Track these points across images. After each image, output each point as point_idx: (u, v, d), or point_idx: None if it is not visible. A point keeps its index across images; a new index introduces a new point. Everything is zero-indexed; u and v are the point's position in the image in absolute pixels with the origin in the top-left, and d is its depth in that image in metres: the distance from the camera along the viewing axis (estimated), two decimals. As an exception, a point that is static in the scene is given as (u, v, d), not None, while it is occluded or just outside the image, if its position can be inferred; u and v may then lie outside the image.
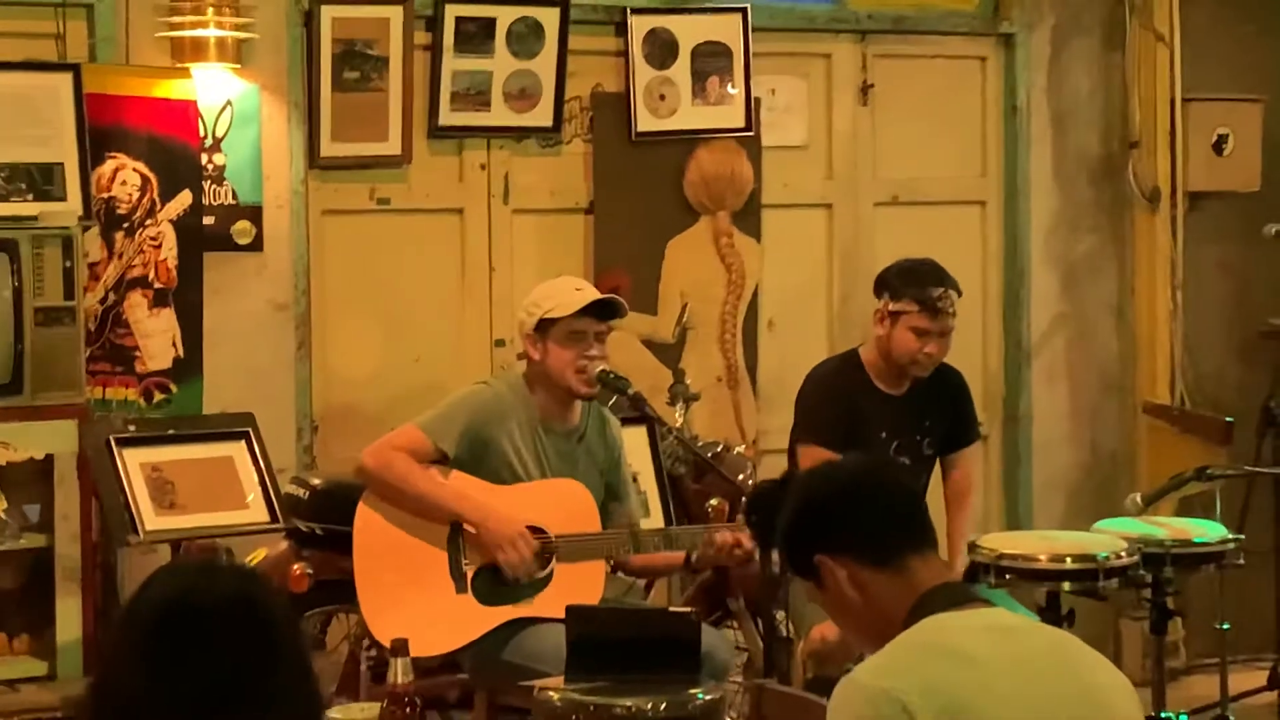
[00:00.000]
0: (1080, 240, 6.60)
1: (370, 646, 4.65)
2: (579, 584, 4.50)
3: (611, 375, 4.61)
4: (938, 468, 5.14)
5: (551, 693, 3.87)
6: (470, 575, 4.52)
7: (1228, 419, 5.54)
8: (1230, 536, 4.73)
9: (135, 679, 1.96)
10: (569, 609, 4.07)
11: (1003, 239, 6.54)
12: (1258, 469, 5.42)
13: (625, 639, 3.95)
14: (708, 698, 3.88)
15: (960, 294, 5.00)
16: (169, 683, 1.95)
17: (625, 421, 5.08)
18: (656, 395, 5.27)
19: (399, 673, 3.20)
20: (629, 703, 3.80)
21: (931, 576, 2.59)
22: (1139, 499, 4.82)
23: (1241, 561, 4.71)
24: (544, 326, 4.59)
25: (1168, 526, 4.80)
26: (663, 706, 3.80)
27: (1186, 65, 6.50)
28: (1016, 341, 6.54)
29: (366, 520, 4.53)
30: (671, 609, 4.77)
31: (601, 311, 4.63)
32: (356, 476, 4.59)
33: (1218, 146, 6.52)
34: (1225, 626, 5.02)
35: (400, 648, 3.23)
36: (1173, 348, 6.55)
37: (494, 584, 4.52)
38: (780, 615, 4.70)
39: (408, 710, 3.17)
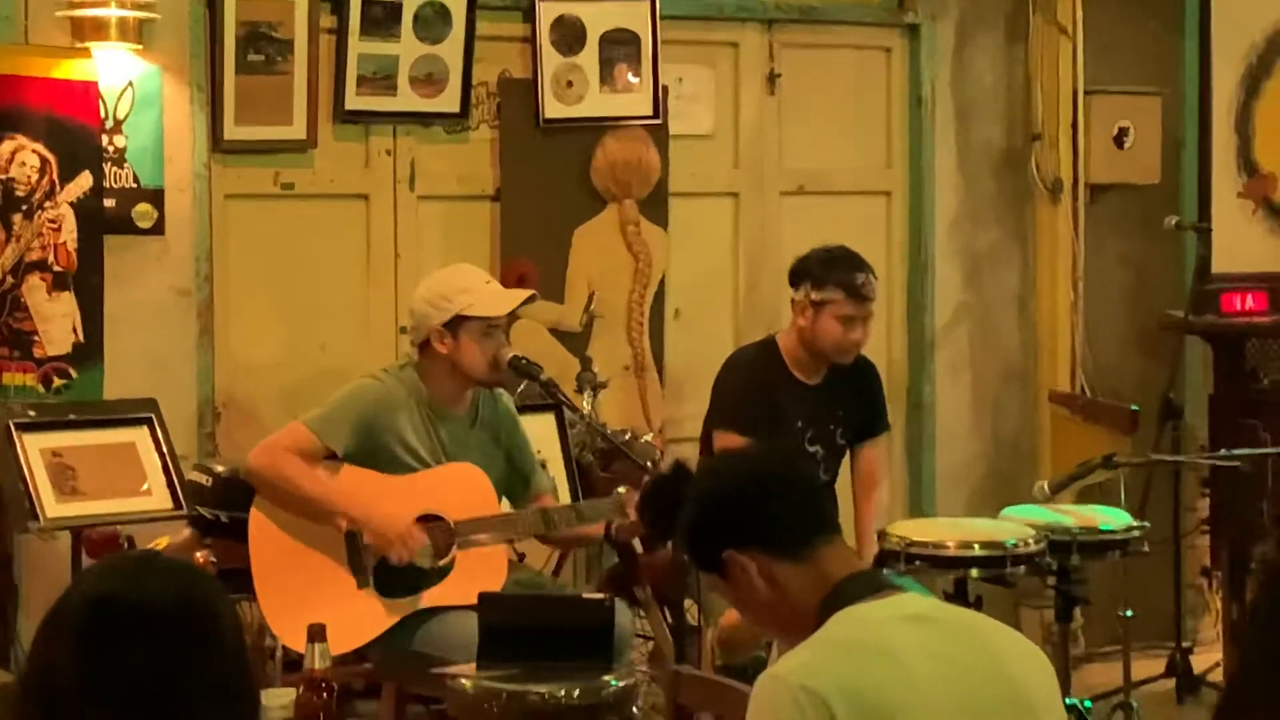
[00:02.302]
0: (983, 231, 6.65)
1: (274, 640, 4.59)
2: (481, 569, 4.47)
3: (524, 361, 4.58)
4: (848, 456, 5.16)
5: (464, 680, 3.84)
6: (370, 570, 4.47)
7: (1133, 407, 5.59)
8: (1135, 524, 4.78)
9: (65, 672, 1.92)
10: (481, 596, 4.04)
11: (907, 230, 6.57)
12: (1164, 457, 5.48)
13: (538, 626, 3.92)
14: (621, 684, 3.86)
15: (877, 278, 5.02)
16: (99, 677, 1.91)
17: (535, 408, 5.06)
18: (564, 384, 5.23)
19: (316, 658, 3.15)
20: (542, 690, 3.77)
21: (842, 565, 2.58)
22: (1046, 486, 4.86)
23: (1146, 549, 4.76)
24: (456, 322, 4.53)
25: (1074, 514, 4.85)
26: (576, 693, 3.78)
27: (1088, 59, 6.55)
28: (920, 332, 6.57)
29: (260, 523, 4.47)
30: (585, 595, 4.74)
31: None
32: (244, 478, 4.52)
33: (1119, 139, 6.58)
34: (1129, 614, 5.06)
35: (317, 633, 3.19)
36: (1074, 339, 6.61)
37: (394, 576, 4.48)
38: (688, 603, 4.70)
39: (324, 695, 3.13)
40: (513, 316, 4.63)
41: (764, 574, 2.55)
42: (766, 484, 2.62)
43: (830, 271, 4.91)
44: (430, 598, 4.46)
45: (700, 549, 2.64)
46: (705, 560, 2.62)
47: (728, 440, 4.83)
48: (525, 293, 4.61)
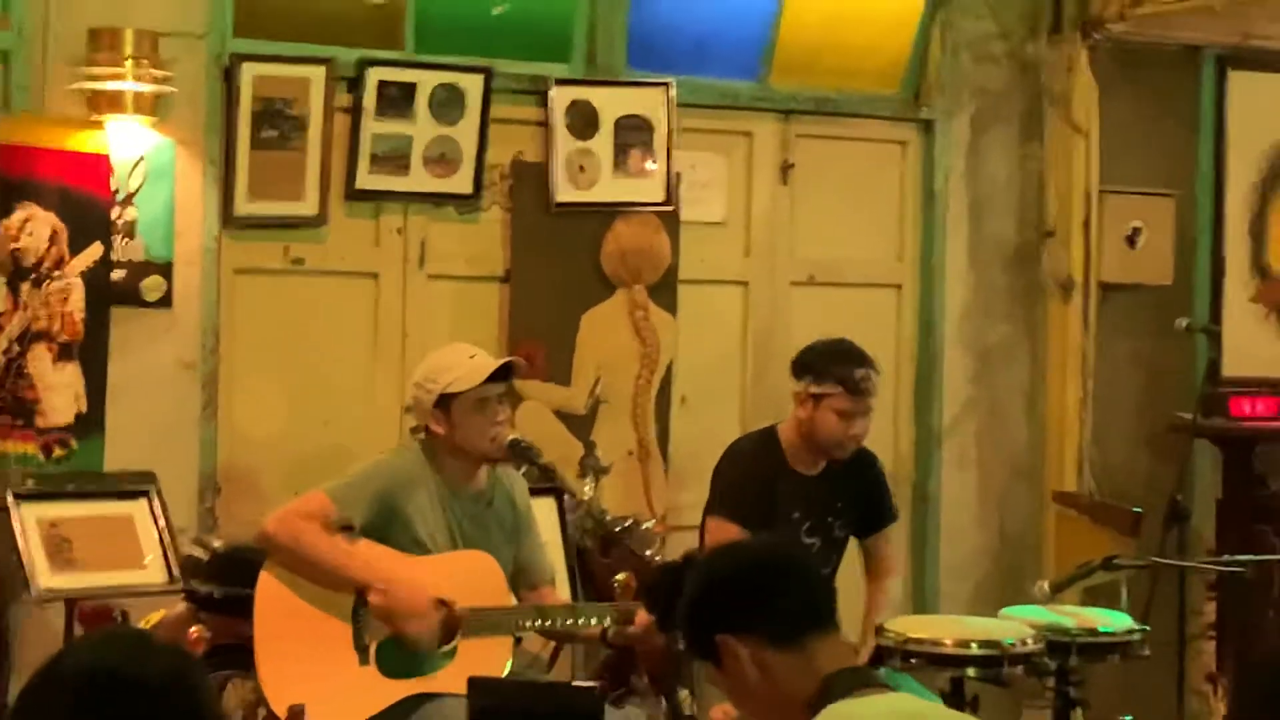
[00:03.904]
0: (994, 327, 6.64)
1: (267, 716, 4.55)
2: (484, 659, 4.41)
3: (522, 444, 4.56)
4: (851, 549, 5.12)
5: (450, 766, 3.81)
6: (373, 648, 4.43)
7: (1136, 510, 5.56)
8: (1136, 627, 4.73)
9: None
10: (471, 681, 4.00)
11: (917, 323, 6.57)
12: (1164, 560, 5.43)
13: (527, 712, 3.89)
14: (609, 775, 3.83)
15: (879, 373, 5.00)
16: None
17: (534, 492, 5.03)
18: (567, 467, 5.22)
19: (295, 740, 3.13)
20: (528, 778, 3.74)
21: (835, 659, 2.57)
22: (1047, 586, 4.81)
23: (1147, 653, 4.71)
24: (445, 401, 4.52)
25: (1074, 615, 4.80)
26: (563, 783, 3.75)
27: (1103, 158, 6.57)
28: (928, 425, 6.55)
29: (268, 588, 4.43)
30: (575, 683, 4.71)
31: (501, 374, 4.58)
32: (259, 543, 4.49)
33: (1131, 239, 6.58)
34: (1128, 719, 5.01)
35: (297, 713, 3.16)
36: (1082, 437, 6.58)
37: (397, 657, 4.44)
38: (684, 694, 4.66)
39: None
40: (518, 397, 4.61)
41: (756, 661, 2.55)
42: (766, 572, 2.63)
43: (831, 365, 4.89)
44: (431, 683, 4.42)
45: (696, 631, 2.65)
46: (700, 643, 2.63)
47: (721, 528, 4.81)
48: (501, 360, 4.59)
